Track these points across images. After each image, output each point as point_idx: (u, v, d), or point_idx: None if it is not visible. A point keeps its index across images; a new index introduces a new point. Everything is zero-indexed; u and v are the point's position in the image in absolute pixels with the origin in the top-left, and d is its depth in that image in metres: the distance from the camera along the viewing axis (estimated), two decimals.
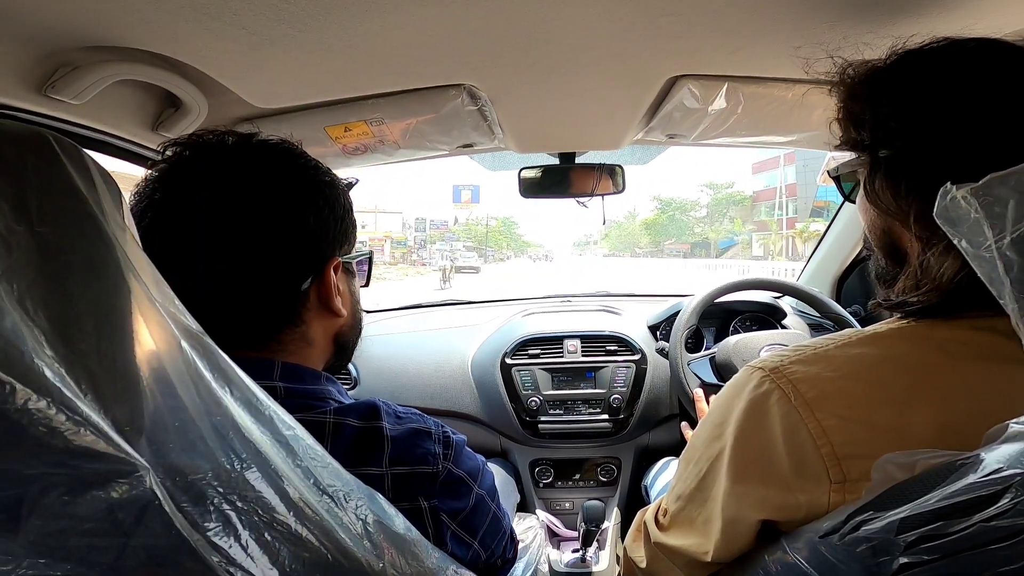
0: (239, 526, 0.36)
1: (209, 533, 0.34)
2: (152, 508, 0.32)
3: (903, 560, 0.38)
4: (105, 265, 0.37)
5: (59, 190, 0.37)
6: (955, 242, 0.47)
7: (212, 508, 0.35)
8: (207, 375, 0.39)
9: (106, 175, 0.41)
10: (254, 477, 0.38)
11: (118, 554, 0.32)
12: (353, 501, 0.46)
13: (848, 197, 0.71)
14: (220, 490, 0.36)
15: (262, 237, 0.64)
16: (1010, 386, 0.51)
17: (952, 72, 0.57)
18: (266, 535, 0.37)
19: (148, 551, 0.32)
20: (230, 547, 0.35)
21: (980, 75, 0.55)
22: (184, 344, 0.39)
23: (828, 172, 0.72)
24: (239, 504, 0.36)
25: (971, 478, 0.38)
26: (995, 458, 0.38)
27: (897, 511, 0.40)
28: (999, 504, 0.36)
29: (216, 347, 0.42)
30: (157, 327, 0.38)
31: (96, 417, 0.31)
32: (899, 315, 0.59)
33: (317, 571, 0.40)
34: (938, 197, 0.48)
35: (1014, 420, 0.40)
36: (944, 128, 0.55)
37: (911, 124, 0.56)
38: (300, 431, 0.46)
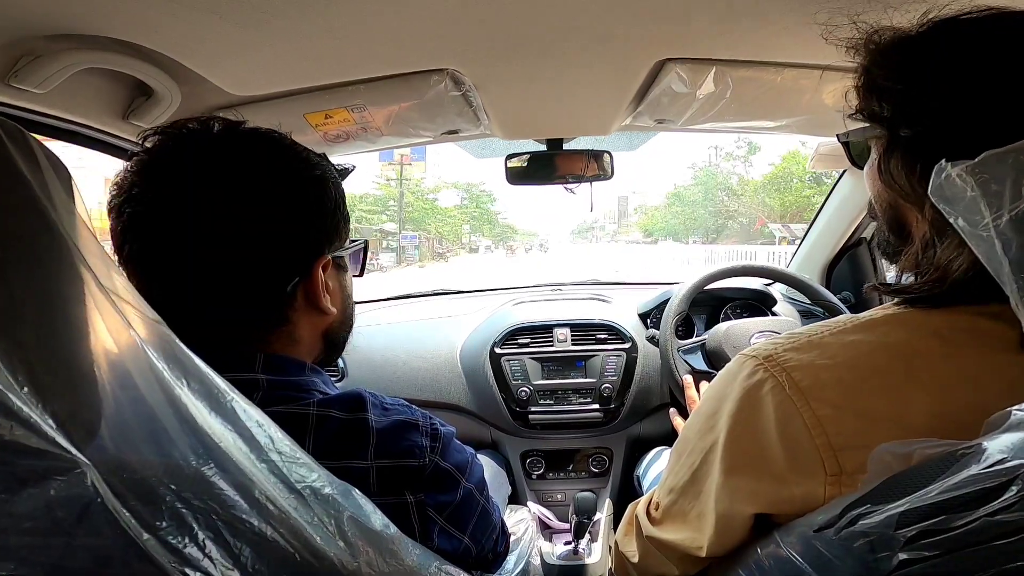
0: (195, 525, 0.34)
1: (161, 533, 0.32)
2: (95, 506, 0.30)
3: (903, 556, 0.37)
4: (49, 252, 0.35)
5: (0, 174, 0.35)
6: (951, 220, 0.46)
7: (165, 507, 0.33)
8: (160, 366, 0.37)
9: (54, 159, 0.39)
10: (212, 473, 0.36)
11: (61, 554, 0.31)
12: (325, 498, 0.44)
13: (856, 163, 0.68)
14: (173, 488, 0.34)
15: (246, 237, 0.62)
16: (1011, 375, 0.49)
17: (993, 48, 0.52)
18: (225, 534, 0.35)
19: (92, 551, 0.31)
20: (185, 547, 0.33)
21: (1019, 54, 0.51)
22: (135, 334, 0.37)
23: (838, 136, 0.68)
24: (195, 502, 0.34)
25: (973, 469, 0.37)
26: (998, 447, 0.37)
27: (896, 504, 0.39)
28: (1004, 497, 0.34)
29: (174, 337, 0.40)
30: (106, 316, 0.36)
31: (32, 411, 0.29)
32: (895, 300, 0.57)
33: (284, 571, 0.38)
34: (933, 175, 0.47)
35: (1016, 407, 0.39)
36: (973, 112, 0.51)
37: (940, 104, 0.52)
38: (268, 425, 0.44)
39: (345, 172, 0.75)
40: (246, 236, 0.62)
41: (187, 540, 0.33)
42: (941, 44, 0.54)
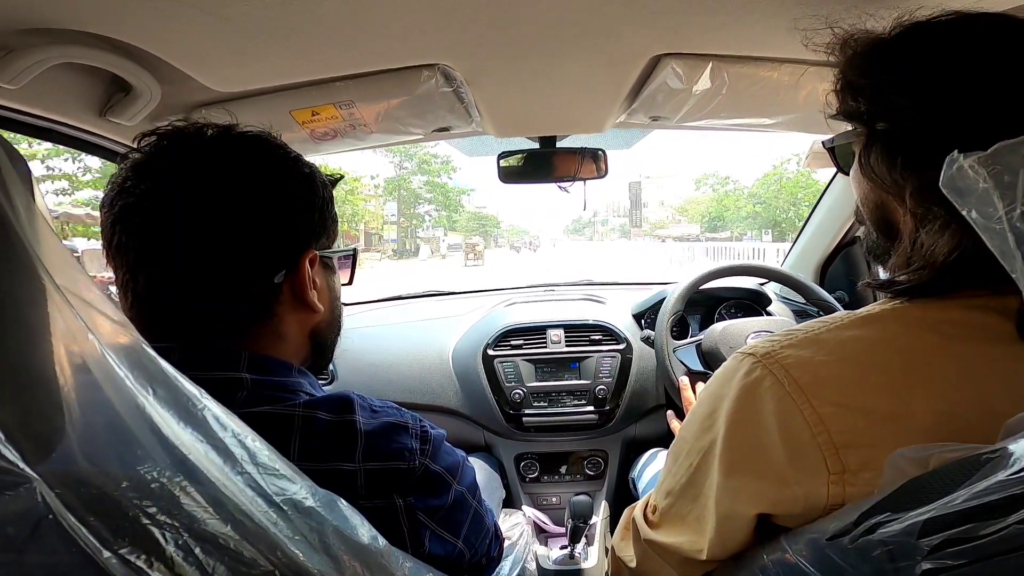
0: (162, 542, 0.31)
1: (123, 551, 0.30)
2: (46, 522, 0.28)
3: (926, 565, 0.36)
4: (2, 252, 0.33)
5: None
6: (964, 213, 0.45)
7: (127, 522, 0.31)
8: (123, 372, 0.34)
9: (12, 152, 0.37)
10: (181, 487, 0.33)
11: (15, 571, 0.29)
12: (308, 511, 0.42)
13: (842, 168, 0.69)
14: (138, 502, 0.31)
15: (234, 229, 0.62)
16: (1008, 367, 0.50)
17: (959, 46, 0.55)
18: (197, 552, 0.33)
19: (47, 569, 0.29)
20: (151, 566, 0.31)
21: (988, 50, 0.54)
22: (96, 339, 0.34)
23: (823, 143, 0.70)
24: (162, 518, 0.32)
25: (1001, 475, 0.35)
26: None
27: (920, 511, 0.38)
28: None
29: (141, 340, 0.38)
30: (65, 320, 0.33)
31: None
32: (889, 295, 0.58)
33: None
34: (944, 166, 0.46)
35: None
36: (946, 103, 0.53)
37: (912, 97, 0.55)
38: (246, 435, 0.42)
39: (335, 180, 0.75)
40: (233, 228, 0.62)
41: (153, 559, 0.31)
42: (913, 43, 0.57)
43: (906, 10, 0.60)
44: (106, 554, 0.29)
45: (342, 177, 0.79)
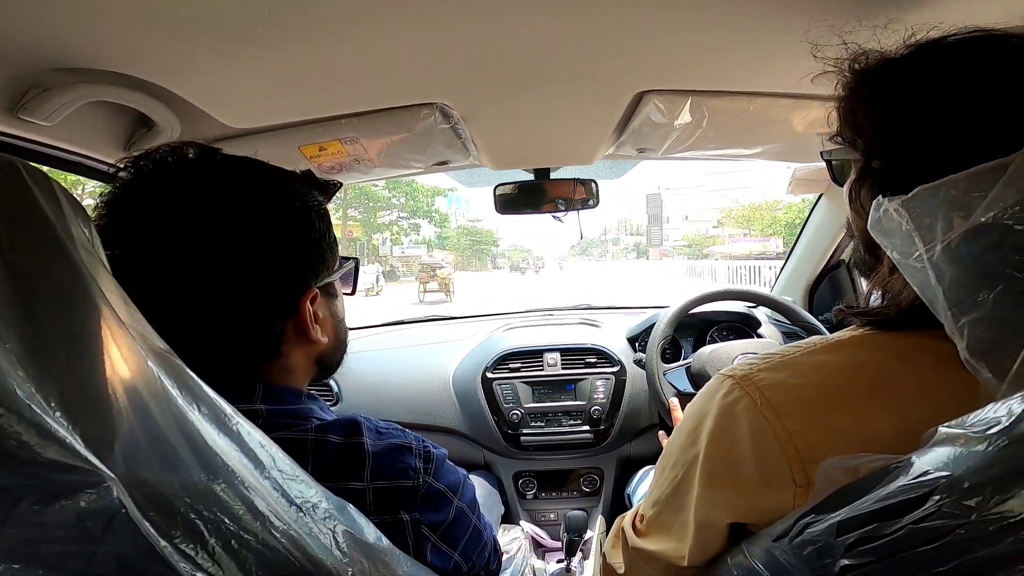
0: (206, 534, 0.37)
1: (176, 541, 0.36)
2: (120, 517, 0.33)
3: (844, 562, 0.39)
4: (73, 289, 0.39)
5: (28, 217, 0.39)
6: (888, 253, 0.49)
7: (179, 518, 0.37)
8: (174, 392, 0.40)
9: (73, 201, 0.42)
10: (220, 488, 0.39)
11: (88, 560, 0.34)
12: (322, 512, 0.48)
13: (837, 181, 0.69)
14: (187, 500, 0.37)
15: (226, 279, 0.61)
16: (959, 390, 0.51)
17: (970, 79, 0.52)
18: (233, 543, 0.38)
19: (117, 558, 0.34)
20: (196, 554, 0.36)
21: (989, 96, 0.50)
22: (151, 364, 0.40)
23: (821, 153, 0.68)
24: (205, 514, 0.38)
25: (901, 481, 0.39)
26: (925, 461, 0.39)
27: (836, 514, 0.42)
28: (925, 506, 0.37)
29: (183, 366, 0.44)
30: (124, 347, 0.39)
31: (64, 432, 0.33)
32: (861, 323, 0.60)
33: None
34: (871, 210, 0.49)
35: (944, 424, 0.41)
36: (946, 149, 0.51)
37: (909, 144, 0.53)
38: (270, 446, 0.48)
39: (332, 188, 0.74)
40: (228, 285, 0.61)
41: (199, 548, 0.36)
42: (920, 74, 0.54)
43: (919, 26, 0.57)
44: (163, 543, 0.34)
45: (340, 185, 0.77)
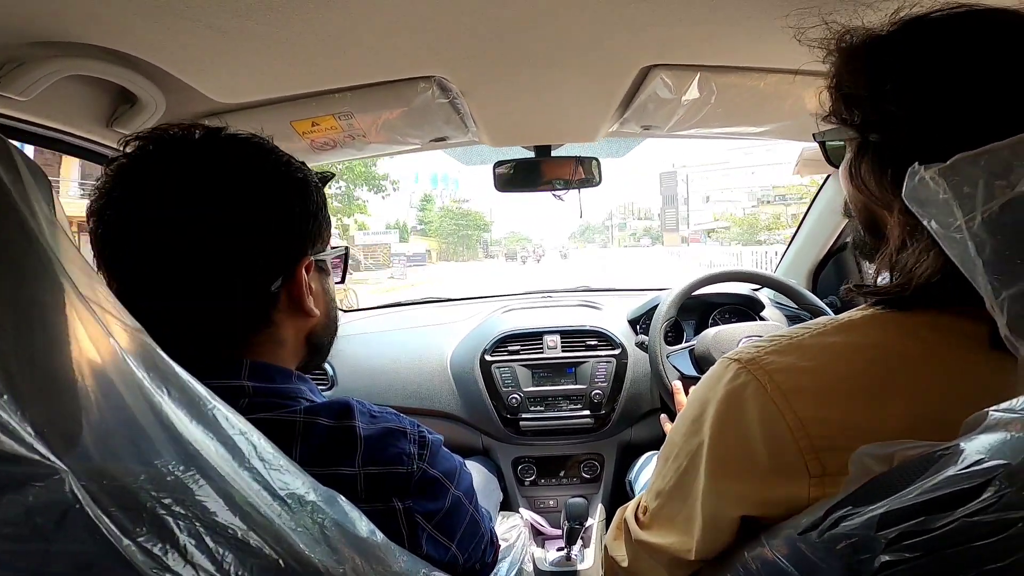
0: (176, 531, 0.34)
1: (141, 539, 0.32)
2: (73, 512, 0.30)
3: (885, 558, 0.37)
4: (28, 260, 0.35)
5: None
6: (924, 223, 0.46)
7: (145, 513, 0.33)
8: (141, 374, 0.37)
9: (34, 167, 0.39)
10: (193, 480, 0.36)
11: (40, 560, 0.31)
12: (309, 504, 0.44)
13: (832, 163, 0.67)
14: (154, 494, 0.34)
15: (229, 238, 0.62)
16: (982, 372, 0.50)
17: (958, 50, 0.52)
18: (208, 540, 0.35)
19: (72, 557, 0.31)
20: (166, 554, 0.33)
21: (988, 58, 0.50)
22: (116, 343, 0.37)
23: (813, 135, 0.67)
24: (176, 509, 0.34)
25: (951, 470, 0.37)
26: (975, 448, 0.37)
27: (877, 506, 0.39)
28: (982, 497, 0.34)
29: (154, 346, 0.40)
30: (86, 325, 0.36)
31: (11, 418, 0.29)
32: (870, 302, 0.58)
33: None
34: (907, 177, 0.47)
35: (993, 408, 0.38)
36: (942, 115, 0.51)
37: (906, 111, 0.52)
38: (251, 432, 0.44)
39: (326, 178, 0.75)
40: (229, 239, 0.62)
41: (168, 547, 0.33)
42: (908, 46, 0.54)
43: (904, 3, 0.56)
44: (126, 542, 0.31)
45: (333, 176, 0.79)
